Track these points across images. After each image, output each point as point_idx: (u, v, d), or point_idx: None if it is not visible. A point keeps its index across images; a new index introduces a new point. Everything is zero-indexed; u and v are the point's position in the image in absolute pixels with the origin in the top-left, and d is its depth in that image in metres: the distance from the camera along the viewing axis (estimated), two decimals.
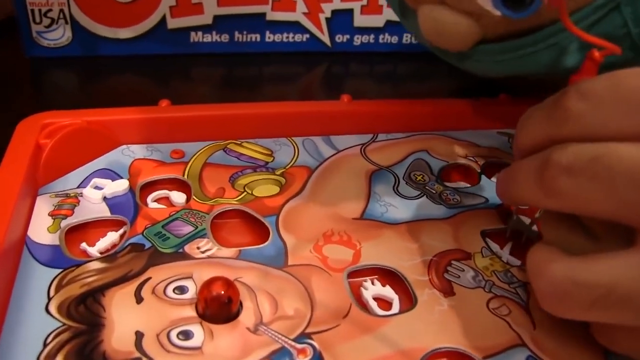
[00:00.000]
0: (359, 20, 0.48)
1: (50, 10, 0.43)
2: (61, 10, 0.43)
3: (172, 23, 0.46)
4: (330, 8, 0.48)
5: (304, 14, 0.48)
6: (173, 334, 0.19)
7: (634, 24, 0.26)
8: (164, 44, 0.46)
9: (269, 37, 0.48)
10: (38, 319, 0.19)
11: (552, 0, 0.23)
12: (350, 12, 0.48)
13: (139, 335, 0.19)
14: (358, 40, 0.49)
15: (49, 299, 0.20)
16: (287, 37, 0.48)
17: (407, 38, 0.49)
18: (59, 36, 0.44)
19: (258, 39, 0.48)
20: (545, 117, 0.21)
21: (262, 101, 0.31)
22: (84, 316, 0.20)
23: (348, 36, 0.49)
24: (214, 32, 0.47)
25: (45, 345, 0.18)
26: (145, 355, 0.18)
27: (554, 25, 0.26)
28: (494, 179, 0.30)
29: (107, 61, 0.45)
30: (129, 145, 0.28)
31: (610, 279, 0.18)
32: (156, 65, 0.45)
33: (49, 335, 0.19)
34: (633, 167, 0.18)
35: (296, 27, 0.48)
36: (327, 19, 0.48)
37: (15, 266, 0.21)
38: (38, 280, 0.21)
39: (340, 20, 0.48)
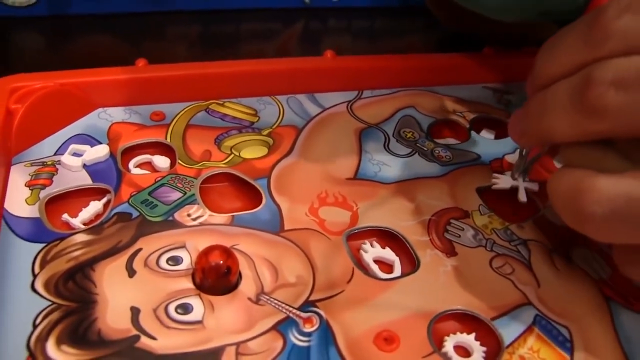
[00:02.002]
0: None
1: None
2: None
3: None
4: None
5: None
6: (171, 308, 0.18)
7: None
8: (137, 1, 0.44)
9: None
10: (24, 299, 0.18)
11: None
12: None
13: (135, 311, 0.18)
14: None
15: (34, 276, 0.19)
16: None
17: None
18: None
19: None
20: (579, 40, 0.19)
21: (240, 59, 0.30)
22: (74, 293, 0.18)
23: None
24: None
25: (34, 326, 0.17)
26: (144, 332, 0.17)
27: None
28: (483, 134, 0.30)
29: (76, 21, 0.42)
30: (105, 109, 0.27)
31: None
32: (129, 23, 0.42)
33: (37, 316, 0.18)
34: None
35: None
36: None
37: None
38: (20, 256, 0.19)
39: None
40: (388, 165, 0.26)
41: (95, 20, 0.42)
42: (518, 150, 0.25)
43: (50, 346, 0.17)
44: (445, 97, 0.32)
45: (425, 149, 0.28)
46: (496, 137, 0.30)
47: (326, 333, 0.18)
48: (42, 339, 0.17)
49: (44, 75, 0.25)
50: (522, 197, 0.23)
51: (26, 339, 0.17)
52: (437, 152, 0.27)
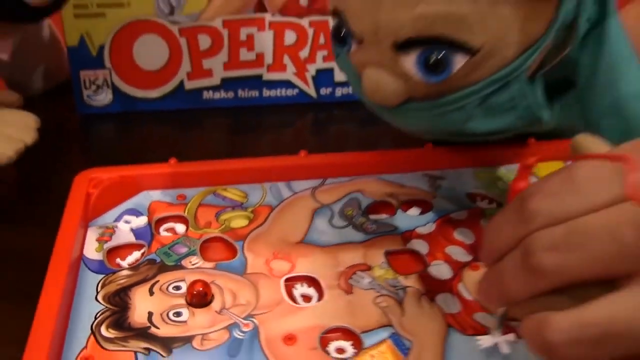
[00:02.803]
0: (339, 76, 0.61)
1: (97, 79, 0.57)
2: (105, 79, 0.57)
3: (189, 85, 0.60)
4: (315, 68, 0.61)
5: (294, 73, 0.61)
6: (170, 314, 0.32)
7: (519, 99, 0.35)
8: (183, 101, 0.60)
9: (265, 93, 0.62)
10: (91, 305, 0.32)
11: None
12: (331, 70, 0.62)
13: (150, 314, 0.32)
14: (339, 92, 0.63)
15: (97, 292, 0.33)
16: (280, 93, 0.62)
17: None
18: (103, 97, 0.58)
19: (257, 95, 0.62)
20: (513, 220, 0.24)
21: (261, 145, 0.44)
22: (118, 303, 0.33)
23: (330, 89, 0.62)
24: (221, 91, 0.61)
25: (95, 318, 0.31)
26: (153, 325, 0.31)
27: (462, 91, 0.33)
28: (411, 212, 0.42)
29: (138, 115, 0.59)
30: (148, 191, 0.41)
31: (610, 314, 0.21)
32: (176, 117, 0.59)
33: (97, 313, 0.32)
34: (602, 226, 0.21)
35: (287, 84, 0.62)
36: (312, 76, 0.62)
37: (77, 273, 0.34)
38: (90, 281, 0.34)
39: (324, 76, 0.62)
40: (326, 233, 0.39)
41: (152, 115, 0.58)
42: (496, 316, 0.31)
43: (103, 329, 0.31)
44: (388, 183, 0.45)
45: (358, 222, 0.41)
46: (421, 214, 0.42)
47: (255, 332, 0.32)
48: (99, 325, 0.31)
49: (110, 169, 0.40)
50: (503, 349, 0.31)
51: (90, 325, 0.31)
52: (365, 225, 0.41)
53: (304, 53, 0.60)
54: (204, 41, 0.58)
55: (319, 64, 0.61)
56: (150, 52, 0.58)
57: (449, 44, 0.31)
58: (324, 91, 0.63)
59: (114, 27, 0.56)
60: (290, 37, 0.60)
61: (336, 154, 0.46)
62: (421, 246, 0.39)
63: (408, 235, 0.40)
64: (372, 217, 0.41)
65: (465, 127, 0.35)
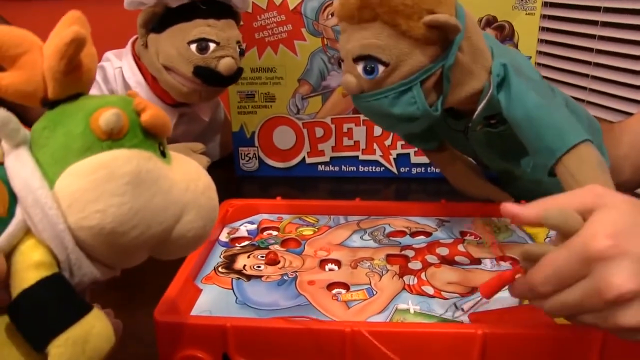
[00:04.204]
0: (414, 159, 0.89)
1: (249, 153, 0.91)
2: (254, 154, 0.91)
3: (308, 160, 0.92)
4: (396, 152, 0.89)
5: (380, 156, 0.90)
6: (255, 266, 0.61)
7: (420, 104, 0.56)
8: (304, 171, 0.92)
9: (360, 169, 0.91)
10: (216, 259, 0.62)
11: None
12: (408, 154, 0.89)
13: (244, 265, 0.61)
14: (415, 170, 0.90)
15: (221, 254, 0.63)
16: (371, 169, 0.91)
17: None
18: (252, 165, 0.92)
19: (354, 169, 0.91)
20: (575, 263, 0.39)
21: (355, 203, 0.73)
22: (229, 259, 0.62)
23: (408, 168, 0.91)
24: (330, 165, 0.91)
25: (217, 264, 0.61)
26: (244, 269, 0.61)
27: (385, 87, 0.55)
28: (415, 238, 0.67)
29: (273, 178, 0.91)
30: (262, 214, 0.72)
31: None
32: (299, 182, 0.90)
33: (218, 262, 0.62)
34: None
35: (376, 163, 0.91)
36: (394, 158, 0.90)
37: (214, 245, 0.65)
38: (219, 250, 0.64)
39: (403, 158, 0.90)
40: (355, 242, 0.66)
41: (283, 179, 0.90)
42: None
43: (220, 268, 0.61)
44: (409, 221, 0.71)
45: (377, 239, 0.67)
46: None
47: (294, 278, 0.59)
48: (217, 266, 0.61)
49: (242, 200, 0.72)
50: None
51: (213, 266, 0.61)
52: (381, 241, 0.67)
53: (387, 142, 0.89)
54: (319, 131, 0.90)
55: (399, 149, 0.90)
56: (283, 137, 0.91)
57: (374, 59, 0.55)
58: (403, 169, 0.90)
59: (261, 120, 0.91)
60: (377, 130, 0.89)
61: (378, 201, 0.73)
62: (410, 253, 0.64)
63: (405, 247, 0.65)
64: (389, 238, 0.68)
65: (391, 110, 0.56)
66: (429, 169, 0.90)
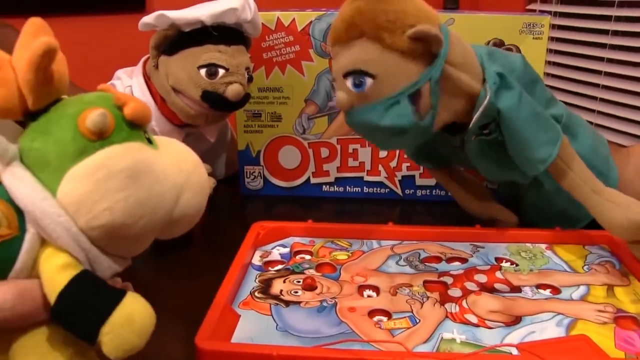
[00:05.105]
0: (419, 181, 0.88)
1: (254, 172, 0.90)
2: (259, 172, 0.90)
3: (313, 180, 0.91)
4: (401, 174, 0.89)
5: (385, 177, 0.89)
6: (292, 291, 0.60)
7: (408, 116, 0.57)
8: (308, 191, 0.91)
9: (365, 190, 0.91)
10: (251, 283, 0.61)
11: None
12: (413, 176, 0.89)
13: (280, 290, 0.60)
14: (420, 192, 0.89)
15: (255, 278, 0.62)
16: (376, 190, 0.90)
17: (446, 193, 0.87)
18: (257, 184, 0.91)
19: (359, 191, 0.91)
20: None
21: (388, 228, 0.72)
22: (264, 284, 0.61)
23: (413, 190, 0.90)
24: (335, 186, 0.91)
25: (253, 289, 0.60)
26: (281, 294, 0.59)
27: (373, 101, 0.57)
28: (451, 264, 0.66)
29: (278, 198, 0.90)
30: (294, 237, 0.71)
31: None
32: (304, 202, 0.89)
33: (253, 287, 0.60)
34: None
35: (381, 184, 0.90)
36: (399, 180, 0.89)
37: (247, 270, 0.63)
38: (253, 274, 0.63)
39: (408, 180, 0.89)
40: (392, 267, 0.65)
41: (289, 199, 0.90)
42: None
43: (256, 293, 0.59)
44: (443, 247, 0.69)
45: (413, 265, 0.66)
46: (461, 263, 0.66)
47: (334, 305, 0.57)
48: (254, 291, 0.59)
49: (273, 222, 0.70)
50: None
51: (249, 290, 0.60)
52: (418, 266, 0.65)
53: (393, 163, 0.89)
54: (324, 152, 0.90)
55: (404, 172, 0.89)
56: (288, 157, 0.90)
57: (361, 72, 0.57)
58: (408, 191, 0.90)
59: (267, 140, 0.90)
60: (383, 152, 0.88)
61: (411, 226, 0.72)
62: (448, 279, 0.63)
63: (443, 274, 0.64)
64: (425, 263, 0.66)
65: (379, 123, 0.58)
66: (434, 191, 0.90)
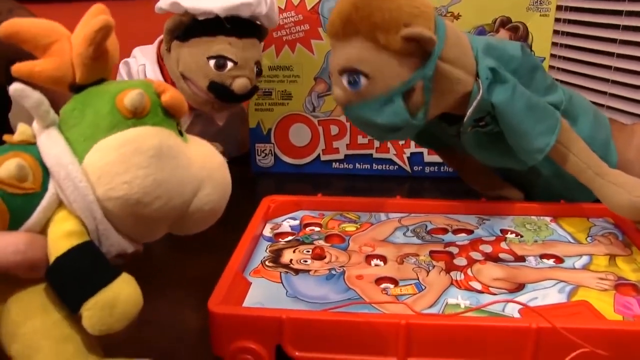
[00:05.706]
0: (428, 157, 0.90)
1: (265, 149, 0.92)
2: (270, 150, 0.92)
3: (323, 157, 0.93)
4: (410, 151, 0.90)
5: (394, 154, 0.91)
6: (301, 260, 0.61)
7: (402, 114, 0.58)
8: (318, 168, 0.93)
9: (374, 167, 0.92)
10: (262, 253, 0.63)
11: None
12: (421, 153, 0.90)
13: (290, 260, 0.62)
14: (428, 169, 0.91)
15: (266, 248, 0.64)
16: (385, 167, 0.92)
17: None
18: (268, 161, 0.93)
19: (369, 167, 0.92)
20: None
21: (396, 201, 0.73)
22: (275, 253, 0.63)
23: (421, 167, 0.91)
24: (345, 163, 0.93)
25: (264, 258, 0.62)
26: (291, 263, 0.61)
27: (369, 98, 0.58)
28: (457, 235, 0.68)
29: (289, 175, 0.92)
30: (303, 210, 0.72)
31: None
32: (314, 179, 0.91)
33: (264, 257, 0.62)
34: None
35: (389, 161, 0.92)
36: (407, 157, 0.90)
37: (258, 240, 0.65)
38: (264, 244, 0.65)
39: (416, 157, 0.91)
40: (399, 238, 0.66)
41: (299, 175, 0.92)
42: None
43: (267, 262, 0.61)
44: (450, 219, 0.71)
45: (420, 236, 0.67)
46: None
47: (342, 273, 0.59)
48: (264, 260, 0.61)
49: (284, 196, 0.72)
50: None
51: (260, 260, 0.62)
52: (424, 237, 0.67)
53: (401, 140, 0.90)
54: (334, 129, 0.91)
55: (412, 148, 0.90)
56: (299, 135, 0.92)
57: (356, 71, 0.57)
58: (416, 168, 0.91)
59: (278, 117, 0.92)
60: None
61: (419, 199, 0.74)
62: (454, 249, 0.64)
63: (449, 244, 0.66)
64: (432, 235, 0.68)
65: (375, 120, 0.59)
66: (442, 167, 0.91)
